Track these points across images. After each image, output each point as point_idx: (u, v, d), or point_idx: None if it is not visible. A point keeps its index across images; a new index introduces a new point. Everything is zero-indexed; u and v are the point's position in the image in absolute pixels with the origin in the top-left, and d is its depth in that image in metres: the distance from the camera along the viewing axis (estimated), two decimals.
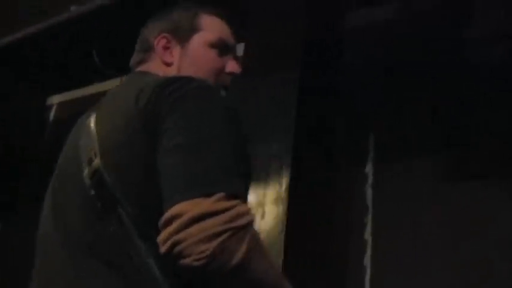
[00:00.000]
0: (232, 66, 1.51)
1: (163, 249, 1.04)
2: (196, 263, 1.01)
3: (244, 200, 1.12)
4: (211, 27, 1.51)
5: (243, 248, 1.04)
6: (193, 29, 1.49)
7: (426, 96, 2.62)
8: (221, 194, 1.06)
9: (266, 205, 2.36)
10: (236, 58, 1.55)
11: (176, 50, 1.47)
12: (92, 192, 1.20)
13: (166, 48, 1.48)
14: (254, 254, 1.07)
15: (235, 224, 1.04)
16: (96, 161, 1.21)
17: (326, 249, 2.51)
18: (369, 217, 2.55)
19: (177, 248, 1.02)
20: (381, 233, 2.51)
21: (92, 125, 1.29)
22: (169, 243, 1.03)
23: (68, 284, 1.21)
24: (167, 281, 1.12)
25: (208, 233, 1.02)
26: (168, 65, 1.46)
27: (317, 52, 2.75)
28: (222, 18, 1.54)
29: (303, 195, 2.43)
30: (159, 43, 1.48)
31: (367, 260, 2.49)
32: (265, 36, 2.84)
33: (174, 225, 1.03)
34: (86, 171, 1.23)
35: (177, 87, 1.21)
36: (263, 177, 2.42)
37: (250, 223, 1.08)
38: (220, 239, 1.02)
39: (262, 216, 2.35)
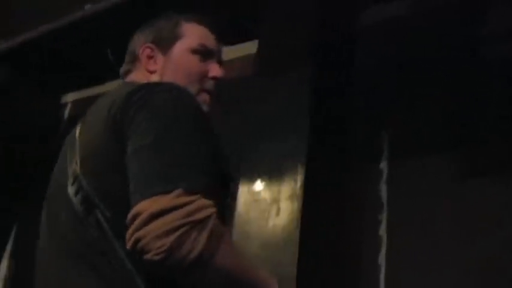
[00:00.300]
0: (214, 70, 1.54)
1: (128, 246, 1.09)
2: (156, 258, 1.05)
3: (207, 195, 1.12)
4: (192, 33, 1.55)
5: (202, 242, 1.07)
6: (175, 37, 1.54)
7: (440, 93, 2.62)
8: (180, 190, 1.09)
9: (281, 202, 2.37)
10: (220, 62, 1.59)
11: (160, 59, 1.52)
12: (74, 198, 1.26)
13: (150, 57, 1.53)
14: (216, 247, 1.10)
15: (193, 218, 1.07)
16: (77, 168, 1.27)
17: (341, 246, 2.52)
18: (384, 214, 2.55)
19: (139, 245, 1.07)
20: (395, 230, 2.51)
21: (77, 134, 1.36)
22: (132, 240, 1.08)
23: (60, 284, 1.26)
24: (141, 277, 1.16)
25: (166, 228, 1.06)
26: (152, 72, 1.51)
27: (330, 51, 2.76)
28: (204, 25, 1.58)
29: (318, 192, 2.44)
30: (143, 53, 1.53)
31: (381, 257, 2.49)
32: (278, 35, 2.85)
33: (136, 223, 1.08)
34: (70, 178, 1.29)
35: (144, 92, 1.26)
36: (278, 174, 2.44)
37: (210, 217, 1.10)
38: (177, 233, 1.05)
39: (277, 213, 2.36)
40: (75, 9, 3.35)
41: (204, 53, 1.53)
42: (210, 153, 1.21)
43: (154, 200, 1.08)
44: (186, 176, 1.12)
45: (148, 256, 1.06)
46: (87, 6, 3.29)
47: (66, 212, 1.28)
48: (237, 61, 3.16)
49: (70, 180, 1.29)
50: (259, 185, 2.48)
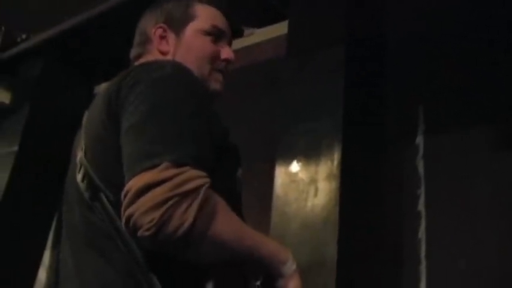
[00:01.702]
0: (226, 52, 1.54)
1: (123, 225, 1.09)
2: (146, 233, 1.04)
3: (198, 166, 1.11)
4: (205, 14, 1.54)
5: (193, 213, 1.05)
6: (188, 18, 1.53)
7: (475, 67, 2.58)
8: (167, 163, 1.08)
9: (319, 182, 2.38)
10: (230, 44, 1.58)
11: (172, 39, 1.51)
12: (81, 184, 1.27)
13: (162, 37, 1.52)
14: (210, 218, 1.09)
15: (182, 190, 1.06)
16: (82, 155, 1.29)
17: (380, 223, 2.52)
18: (422, 189, 2.53)
19: (131, 222, 1.06)
20: (434, 204, 2.49)
21: (84, 121, 1.38)
22: (124, 219, 1.07)
23: (74, 272, 1.28)
24: (145, 258, 1.15)
25: (154, 202, 1.04)
26: (164, 53, 1.50)
27: (362, 26, 2.74)
28: (215, 6, 1.58)
29: (355, 171, 2.44)
30: (156, 33, 1.52)
31: (421, 232, 2.48)
32: (309, 13, 2.83)
33: (126, 200, 1.08)
34: (78, 166, 1.31)
35: (138, 72, 1.26)
36: (315, 154, 2.44)
37: (201, 187, 1.08)
38: (166, 206, 1.04)
39: (316, 193, 2.37)
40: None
41: (216, 35, 1.53)
42: (202, 128, 1.20)
43: (142, 175, 1.07)
44: (173, 149, 1.11)
45: (140, 232, 1.05)
46: None
47: (77, 199, 1.29)
48: (267, 43, 3.16)
49: (78, 168, 1.30)
50: (295, 166, 2.48)
